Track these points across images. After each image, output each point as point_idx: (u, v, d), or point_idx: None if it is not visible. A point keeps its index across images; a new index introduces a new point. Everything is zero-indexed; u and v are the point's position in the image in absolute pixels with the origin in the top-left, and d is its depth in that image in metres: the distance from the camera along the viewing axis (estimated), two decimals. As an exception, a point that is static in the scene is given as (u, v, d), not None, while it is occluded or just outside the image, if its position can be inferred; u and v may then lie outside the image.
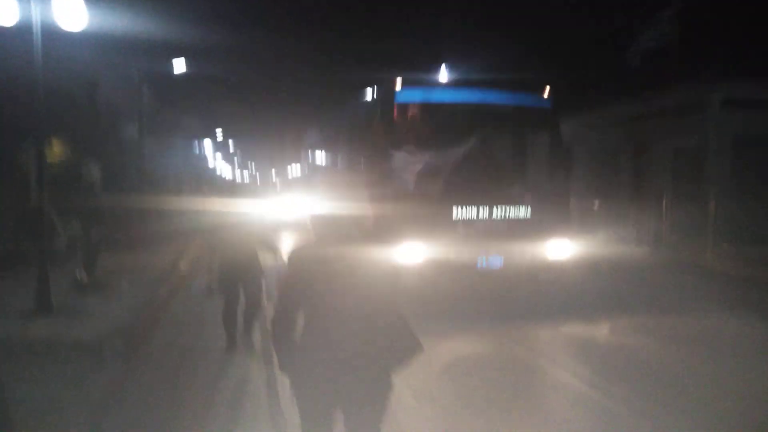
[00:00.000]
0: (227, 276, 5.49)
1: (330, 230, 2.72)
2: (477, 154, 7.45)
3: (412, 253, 6.85)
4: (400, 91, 7.08)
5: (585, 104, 16.41)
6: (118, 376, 5.01)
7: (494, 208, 6.99)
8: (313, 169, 14.16)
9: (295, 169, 21.49)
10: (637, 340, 6.18)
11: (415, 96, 7.15)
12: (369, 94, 8.03)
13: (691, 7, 13.39)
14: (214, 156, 47.58)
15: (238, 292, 5.55)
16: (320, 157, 12.54)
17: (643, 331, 6.50)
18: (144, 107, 24.16)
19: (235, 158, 59.61)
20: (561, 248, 7.32)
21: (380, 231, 7.21)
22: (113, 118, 22.96)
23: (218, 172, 53.39)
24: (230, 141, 51.92)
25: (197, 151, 42.08)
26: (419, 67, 8.06)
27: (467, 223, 6.95)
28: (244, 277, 5.50)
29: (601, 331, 6.63)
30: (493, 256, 6.99)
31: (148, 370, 5.22)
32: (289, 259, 2.58)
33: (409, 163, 7.16)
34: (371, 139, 7.53)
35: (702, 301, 7.89)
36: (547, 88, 7.70)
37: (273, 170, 46.46)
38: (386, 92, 7.24)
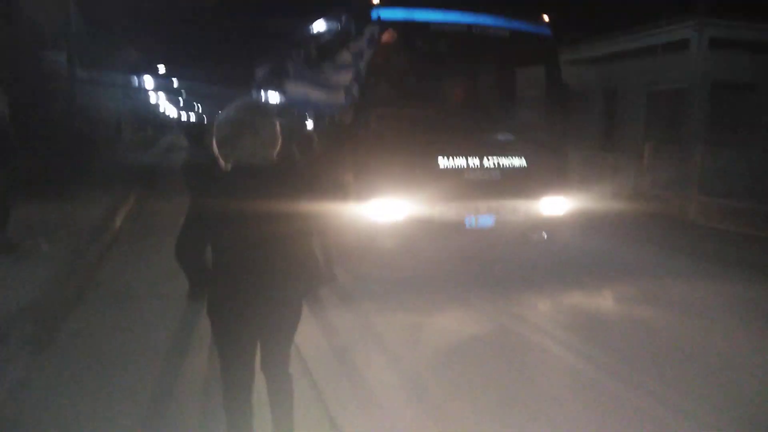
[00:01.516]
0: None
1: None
2: (468, 90, 6.30)
3: (389, 209, 5.73)
4: (378, 8, 5.73)
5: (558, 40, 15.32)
6: (24, 371, 3.78)
7: (486, 156, 5.90)
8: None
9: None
10: (637, 309, 5.44)
11: (397, 14, 5.82)
12: (337, 13, 6.63)
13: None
14: (157, 94, 44.42)
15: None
16: (277, 96, 11.01)
17: (641, 298, 5.74)
18: (73, 29, 21.56)
19: (180, 98, 56.13)
20: (556, 204, 6.36)
21: (352, 183, 6.08)
22: (35, 39, 20.35)
23: (162, 111, 50.19)
24: (174, 79, 48.53)
25: (138, 87, 39.01)
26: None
27: (455, 173, 5.84)
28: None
29: (600, 299, 5.82)
30: (484, 214, 5.95)
31: (66, 362, 3.99)
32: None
33: (385, 99, 5.92)
34: (340, 70, 6.20)
35: (696, 261, 7.24)
36: (546, 14, 6.51)
37: (219, 111, 43.82)
38: (360, 9, 5.88)
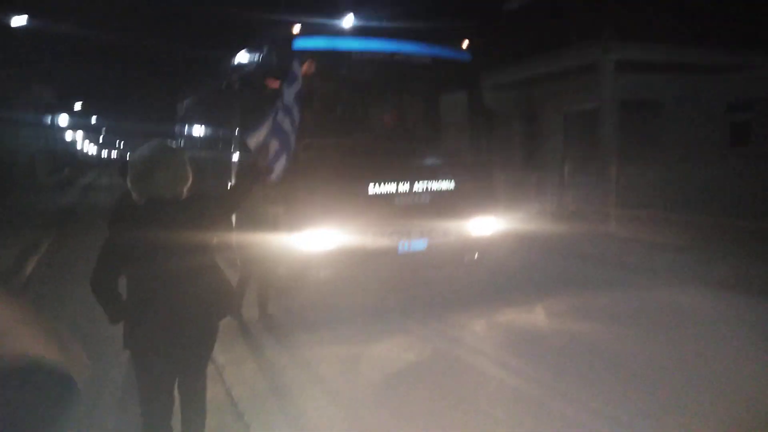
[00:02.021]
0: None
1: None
2: (393, 116, 6.35)
3: (321, 239, 5.63)
4: (298, 38, 5.71)
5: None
6: None
7: (415, 181, 5.93)
8: (190, 144, 12.29)
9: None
10: (565, 322, 5.61)
11: (318, 44, 5.81)
12: (258, 44, 6.56)
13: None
14: (74, 132, 42.41)
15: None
16: (198, 129, 10.73)
17: (569, 310, 5.94)
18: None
19: (100, 135, 53.84)
20: (485, 224, 6.47)
21: (282, 215, 5.95)
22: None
23: (81, 150, 48.00)
24: (94, 117, 46.59)
25: (53, 126, 37.10)
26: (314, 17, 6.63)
27: (385, 199, 5.83)
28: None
29: (531, 315, 5.93)
30: (416, 238, 5.96)
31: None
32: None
33: (311, 129, 5.87)
34: (262, 101, 6.09)
35: (617, 271, 7.58)
36: (466, 39, 6.72)
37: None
38: (281, 39, 5.84)
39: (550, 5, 14.38)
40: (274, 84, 5.90)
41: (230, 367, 4.54)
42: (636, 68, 13.55)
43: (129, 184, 2.60)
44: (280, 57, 5.86)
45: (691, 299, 6.22)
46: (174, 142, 14.80)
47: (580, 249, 8.89)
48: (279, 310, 6.00)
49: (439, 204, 6.10)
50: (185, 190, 2.65)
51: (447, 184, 6.17)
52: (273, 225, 5.80)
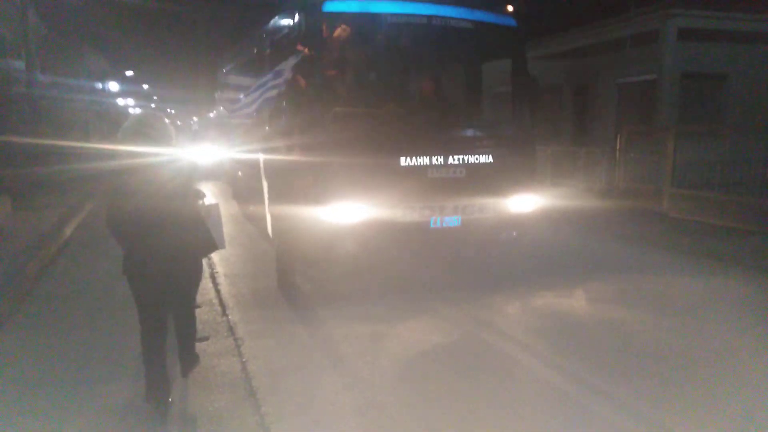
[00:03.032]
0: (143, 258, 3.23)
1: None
2: (429, 85, 5.97)
3: (349, 212, 5.39)
4: (330, 1, 5.39)
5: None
6: None
7: (451, 152, 5.59)
8: (228, 112, 12.22)
9: (214, 115, 19.11)
10: (615, 312, 5.16)
11: (350, 6, 5.48)
12: (288, 8, 6.28)
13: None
14: (126, 99, 43.45)
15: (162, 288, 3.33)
16: (236, 97, 10.61)
17: (614, 297, 5.52)
18: (31, 36, 20.79)
19: (152, 103, 54.98)
20: (524, 201, 6.08)
21: (309, 184, 5.74)
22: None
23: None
24: (145, 85, 47.53)
25: (106, 92, 38.08)
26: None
27: (418, 172, 5.52)
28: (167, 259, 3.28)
29: (571, 300, 5.55)
30: (450, 214, 5.65)
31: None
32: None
33: (341, 97, 5.58)
34: (294, 65, 5.83)
35: (669, 255, 7.06)
36: (510, 4, 6.24)
37: (193, 117, 42.96)
38: (311, 4, 5.54)
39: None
40: (303, 49, 5.64)
41: (249, 341, 4.42)
42: (699, 37, 12.58)
43: (122, 141, 3.28)
44: (309, 20, 5.58)
45: (754, 289, 5.71)
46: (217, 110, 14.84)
47: (630, 229, 8.36)
48: (304, 282, 5.85)
49: (476, 178, 5.74)
50: (167, 146, 3.34)
51: (485, 158, 5.79)
52: (302, 196, 5.61)
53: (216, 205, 5.06)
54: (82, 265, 6.86)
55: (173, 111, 59.70)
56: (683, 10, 11.44)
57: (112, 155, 3.33)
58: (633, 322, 4.83)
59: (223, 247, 5.20)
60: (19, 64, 19.68)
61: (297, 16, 5.78)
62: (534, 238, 6.60)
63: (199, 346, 4.00)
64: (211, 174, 13.71)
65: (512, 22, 6.20)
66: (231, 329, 4.69)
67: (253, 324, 4.80)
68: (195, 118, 42.39)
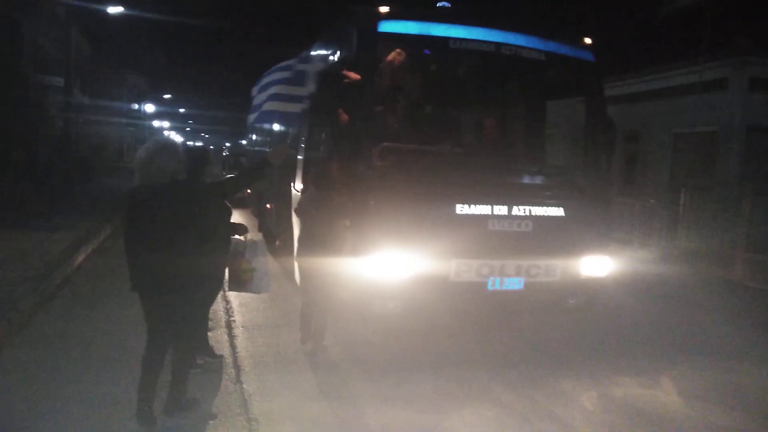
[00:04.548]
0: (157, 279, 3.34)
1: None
2: (494, 122, 5.16)
3: (393, 264, 4.54)
4: (386, 19, 4.68)
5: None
6: None
7: (516, 201, 4.74)
8: (261, 139, 11.61)
9: (247, 141, 18.67)
10: (715, 415, 4.13)
11: (408, 27, 4.76)
12: (336, 27, 5.60)
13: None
14: (162, 121, 43.95)
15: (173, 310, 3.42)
16: (271, 124, 9.98)
17: (715, 394, 4.48)
18: (73, 53, 20.86)
19: (186, 126, 55.73)
20: (599, 263, 5.16)
21: (349, 230, 4.94)
22: (36, 63, 19.69)
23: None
24: (181, 109, 48.14)
25: (143, 114, 38.55)
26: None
27: (476, 222, 4.67)
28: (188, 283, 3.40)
29: (659, 393, 4.51)
30: (511, 275, 4.75)
31: None
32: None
33: (393, 130, 4.81)
34: (339, 94, 5.07)
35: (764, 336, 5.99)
36: (588, 36, 5.46)
37: (226, 143, 43.01)
38: (363, 20, 4.84)
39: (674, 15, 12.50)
40: (352, 74, 4.91)
41: (265, 424, 3.55)
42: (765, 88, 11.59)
43: (135, 171, 3.41)
44: (362, 42, 4.86)
45: None
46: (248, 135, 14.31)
47: (705, 299, 7.31)
48: (334, 343, 4.97)
49: (543, 233, 4.86)
50: (178, 175, 3.43)
51: (555, 210, 4.92)
52: (338, 243, 4.80)
53: (253, 242, 4.33)
54: (84, 301, 6.12)
55: (207, 135, 60.35)
56: (758, 59, 10.54)
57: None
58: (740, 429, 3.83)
59: (259, 291, 4.48)
60: (58, 81, 19.71)
61: (347, 37, 5.06)
62: (606, 308, 5.65)
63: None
64: (239, 202, 13.06)
65: (590, 56, 5.41)
66: (245, 403, 3.83)
67: (271, 399, 3.93)
68: (227, 144, 42.47)
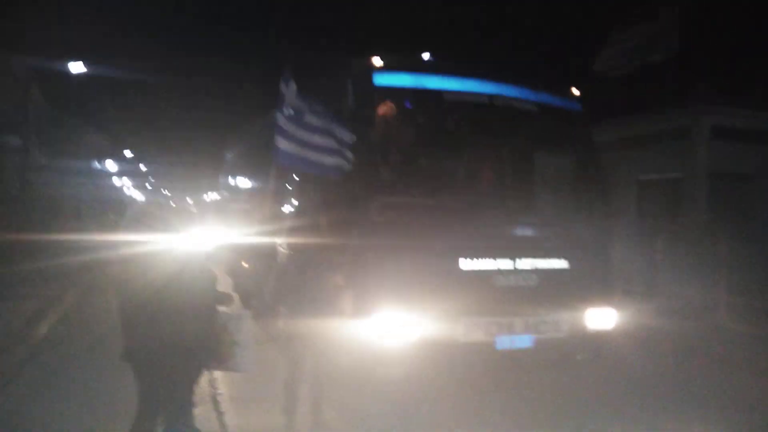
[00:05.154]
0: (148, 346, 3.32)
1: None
2: (491, 174, 5.07)
3: (396, 326, 4.27)
4: (380, 72, 4.60)
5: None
6: None
7: (521, 254, 4.58)
8: (234, 195, 11.31)
9: (218, 195, 18.24)
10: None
11: (403, 80, 4.68)
12: (327, 81, 5.49)
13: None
14: (122, 179, 42.97)
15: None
16: (249, 180, 9.74)
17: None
18: (32, 112, 20.27)
19: (147, 183, 54.61)
20: (602, 315, 5.01)
21: (344, 291, 4.64)
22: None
23: (129, 196, 48.61)
24: (141, 164, 47.23)
25: (102, 173, 37.59)
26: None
27: (482, 278, 4.49)
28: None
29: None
30: (520, 332, 4.54)
31: None
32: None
33: (390, 185, 4.64)
34: (329, 148, 4.89)
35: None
36: (574, 87, 5.51)
37: (188, 197, 42.22)
38: (357, 73, 4.74)
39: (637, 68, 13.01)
40: (344, 128, 4.77)
41: None
42: (730, 136, 12.08)
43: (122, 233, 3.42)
44: (356, 96, 4.75)
45: None
46: (220, 192, 13.98)
47: (702, 348, 7.21)
48: (337, 415, 4.58)
49: (549, 287, 4.71)
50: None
51: (559, 262, 4.79)
52: (333, 305, 4.50)
53: (241, 315, 4.00)
54: (49, 380, 5.54)
55: (168, 192, 59.21)
56: (719, 107, 11.00)
57: (106, 244, 3.51)
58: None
59: (240, 369, 4.10)
60: (15, 141, 19.04)
61: (340, 89, 4.94)
62: (611, 361, 5.46)
63: None
64: (210, 261, 12.55)
65: (578, 107, 5.45)
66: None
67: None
68: (190, 200, 41.67)
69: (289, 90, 4.51)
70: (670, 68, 11.52)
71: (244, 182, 9.91)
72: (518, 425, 4.54)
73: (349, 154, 4.52)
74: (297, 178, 5.96)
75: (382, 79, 4.62)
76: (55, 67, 19.36)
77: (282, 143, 4.45)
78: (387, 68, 4.69)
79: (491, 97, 4.95)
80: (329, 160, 4.59)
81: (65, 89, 23.94)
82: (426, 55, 5.50)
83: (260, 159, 8.19)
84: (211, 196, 20.01)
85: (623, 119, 13.82)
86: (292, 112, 4.48)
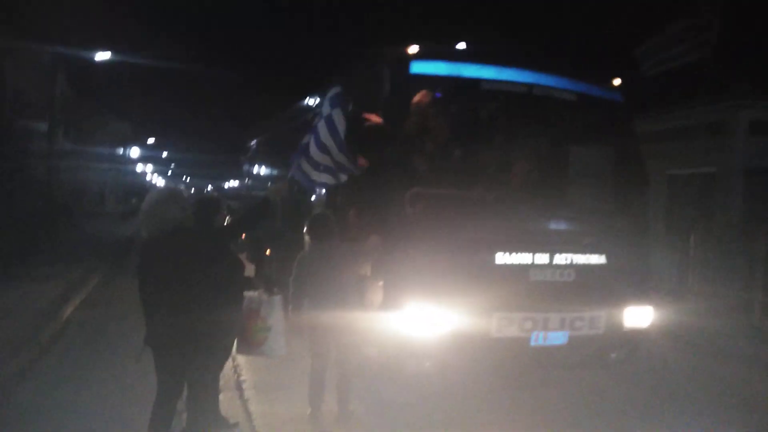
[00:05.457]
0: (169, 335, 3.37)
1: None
2: (529, 165, 4.91)
3: (428, 320, 4.18)
4: (415, 60, 4.47)
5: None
6: None
7: (558, 249, 4.44)
8: (260, 183, 11.26)
9: (237, 184, 18.25)
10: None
11: (440, 68, 4.55)
12: (356, 69, 5.37)
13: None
14: (145, 165, 43.48)
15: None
16: (275, 167, 9.67)
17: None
18: (58, 99, 20.51)
19: (169, 170, 55.24)
20: (640, 313, 4.85)
21: (374, 283, 4.53)
22: (19, 107, 19.26)
23: (150, 182, 49.18)
24: (164, 152, 47.75)
25: (125, 158, 38.07)
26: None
27: (517, 272, 4.36)
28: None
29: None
30: (555, 328, 4.41)
31: None
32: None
33: (424, 176, 4.52)
34: (361, 138, 4.78)
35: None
36: (617, 77, 5.32)
37: (208, 185, 42.56)
38: (390, 61, 4.62)
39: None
40: (377, 118, 4.67)
41: None
42: (766, 132, 11.71)
43: (140, 221, 3.62)
44: (394, 83, 4.63)
45: None
46: (242, 180, 13.96)
47: (736, 348, 7.01)
48: (364, 408, 4.52)
49: (586, 283, 4.56)
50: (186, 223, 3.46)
51: (596, 258, 4.63)
52: (362, 297, 4.43)
53: (269, 299, 3.96)
54: (74, 363, 5.56)
55: (188, 178, 59.77)
56: (757, 102, 10.65)
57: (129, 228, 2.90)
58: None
59: (273, 355, 4.07)
60: (41, 127, 19.26)
61: (374, 79, 4.81)
62: (643, 359, 5.31)
63: None
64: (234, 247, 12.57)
65: (620, 98, 5.25)
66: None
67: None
68: (210, 187, 41.99)
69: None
70: (707, 62, 11.17)
71: (267, 171, 9.86)
72: (548, 423, 4.43)
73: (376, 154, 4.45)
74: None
75: (418, 68, 4.48)
76: (81, 55, 19.51)
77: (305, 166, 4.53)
78: (424, 56, 4.55)
79: (529, 86, 4.78)
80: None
81: (90, 77, 24.15)
82: (462, 45, 5.36)
83: (284, 149, 8.11)
84: (233, 184, 20.07)
85: (655, 113, 13.51)
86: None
